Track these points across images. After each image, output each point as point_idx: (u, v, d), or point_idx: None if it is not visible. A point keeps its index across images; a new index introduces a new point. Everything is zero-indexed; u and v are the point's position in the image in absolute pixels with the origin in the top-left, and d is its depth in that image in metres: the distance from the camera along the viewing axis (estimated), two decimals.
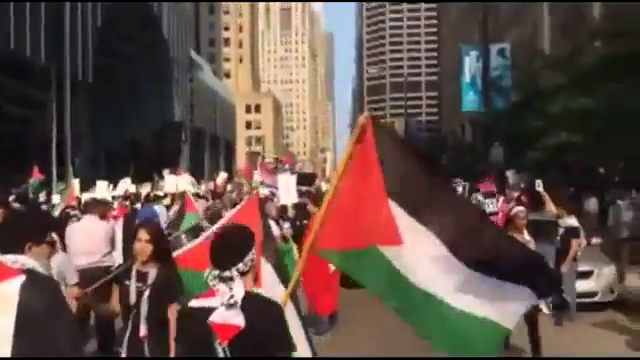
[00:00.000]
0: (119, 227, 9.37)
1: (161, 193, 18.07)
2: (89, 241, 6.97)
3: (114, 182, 20.73)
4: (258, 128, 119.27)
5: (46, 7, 38.42)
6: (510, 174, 15.55)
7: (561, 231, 8.31)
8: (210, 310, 2.21)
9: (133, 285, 3.64)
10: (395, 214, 2.57)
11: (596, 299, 8.95)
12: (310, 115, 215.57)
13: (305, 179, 21.98)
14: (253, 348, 2.17)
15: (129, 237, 7.99)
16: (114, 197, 17.42)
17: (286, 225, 9.79)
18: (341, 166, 2.92)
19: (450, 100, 62.70)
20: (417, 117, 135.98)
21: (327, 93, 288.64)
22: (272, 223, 7.94)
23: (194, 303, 2.34)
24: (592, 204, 15.18)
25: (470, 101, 26.25)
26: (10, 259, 2.61)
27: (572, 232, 8.23)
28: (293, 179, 13.87)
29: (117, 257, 7.68)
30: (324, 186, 27.26)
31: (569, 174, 18.20)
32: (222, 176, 22.93)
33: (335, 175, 2.92)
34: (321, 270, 7.45)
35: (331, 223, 2.88)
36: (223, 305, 2.19)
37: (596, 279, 9.04)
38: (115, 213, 10.53)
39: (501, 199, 11.92)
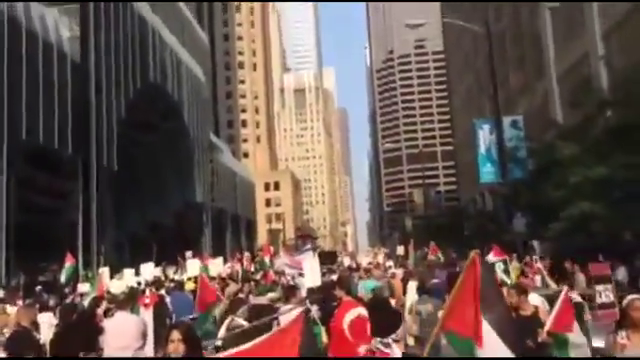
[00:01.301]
0: (150, 315, 9.58)
1: (184, 277, 18.25)
2: (122, 338, 7.14)
3: (138, 266, 21.04)
4: (278, 205, 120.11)
5: (73, 101, 40.33)
6: (535, 244, 15.46)
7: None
8: None
9: None
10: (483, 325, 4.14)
11: None
12: (328, 190, 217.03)
13: (327, 257, 22.04)
14: None
15: (160, 325, 8.24)
16: (139, 283, 17.70)
17: (314, 308, 9.83)
18: (459, 285, 4.39)
19: (467, 169, 63.03)
20: (435, 187, 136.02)
21: (344, 167, 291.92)
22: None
23: None
24: (622, 273, 14.92)
25: (487, 172, 26.45)
26: None
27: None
28: (316, 261, 13.97)
29: (148, 348, 7.80)
30: (346, 260, 27.21)
31: (595, 242, 18.00)
32: (246, 256, 23.19)
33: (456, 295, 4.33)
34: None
35: (453, 315, 4.44)
36: None
37: None
38: (147, 301, 10.67)
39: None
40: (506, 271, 11.49)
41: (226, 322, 6.58)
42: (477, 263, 4.30)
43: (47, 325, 8.21)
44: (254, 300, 11.48)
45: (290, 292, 8.59)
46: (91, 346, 3.16)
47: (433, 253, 21.38)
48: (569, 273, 15.26)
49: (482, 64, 49.04)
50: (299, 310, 4.46)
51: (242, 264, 21.21)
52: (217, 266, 18.21)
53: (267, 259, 20.28)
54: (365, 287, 14.13)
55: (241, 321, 6.71)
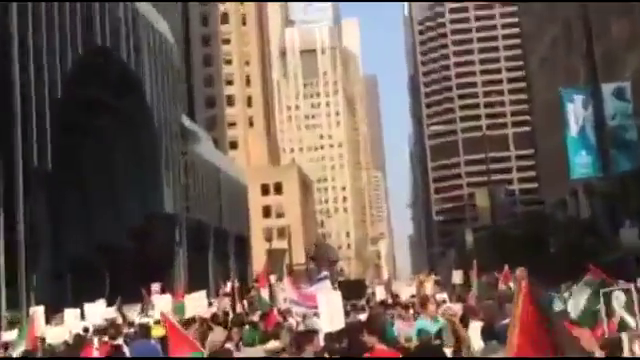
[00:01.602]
0: None
1: (150, 320, 18.40)
2: None
3: (83, 305, 21.25)
4: (280, 216, 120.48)
5: None
6: None
7: None
8: None
9: None
10: None
11: None
12: (352, 192, 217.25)
13: (352, 289, 22.14)
14: None
15: None
16: (86, 329, 17.87)
17: None
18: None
19: (552, 159, 62.53)
20: (506, 185, 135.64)
21: (374, 159, 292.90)
22: None
23: None
24: None
25: (582, 164, 26.31)
26: None
27: None
28: (337, 295, 13.96)
29: None
30: (380, 292, 27.07)
31: None
32: (228, 286, 23.32)
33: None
34: None
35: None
36: None
37: None
38: (96, 354, 10.78)
39: None
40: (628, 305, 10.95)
41: None
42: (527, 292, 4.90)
43: None
44: (246, 352, 11.54)
45: (302, 340, 8.66)
46: None
47: (505, 281, 21.28)
48: None
49: (571, 8, 48.65)
50: None
51: (234, 300, 21.35)
52: (196, 303, 18.30)
53: (265, 294, 20.40)
54: (408, 330, 14.17)
55: None
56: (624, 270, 21.52)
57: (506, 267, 20.92)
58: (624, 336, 8.72)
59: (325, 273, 21.47)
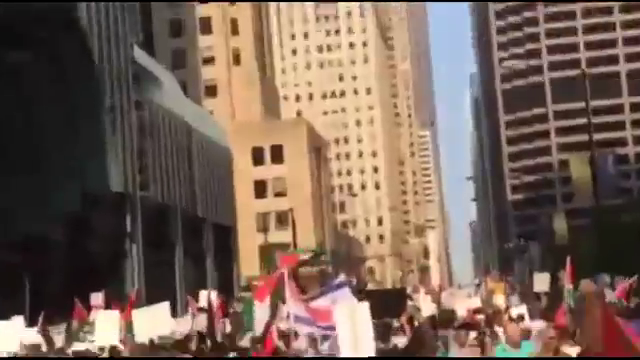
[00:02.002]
0: None
1: (88, 347, 18.62)
2: None
3: None
4: (281, 194, 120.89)
5: None
6: None
7: None
8: None
9: None
10: None
11: None
12: (387, 160, 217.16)
13: (386, 303, 22.19)
14: None
15: None
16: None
17: None
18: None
19: None
20: (615, 147, 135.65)
21: (419, 112, 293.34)
22: None
23: None
24: None
25: None
26: None
27: None
28: (364, 310, 13.91)
29: None
30: (427, 306, 27.04)
31: None
32: (211, 297, 23.46)
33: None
34: None
35: None
36: None
37: None
38: None
39: None
40: None
41: None
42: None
43: None
44: None
45: None
46: None
47: (620, 295, 21.15)
48: None
49: None
50: None
51: (211, 317, 21.49)
52: (154, 321, 18.43)
53: (262, 310, 20.33)
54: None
55: None
56: None
57: (624, 282, 20.71)
58: None
59: (342, 278, 21.25)
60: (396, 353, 14.56)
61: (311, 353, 15.23)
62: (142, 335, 18.63)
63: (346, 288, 18.14)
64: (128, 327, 19.05)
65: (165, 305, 21.63)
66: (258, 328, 19.12)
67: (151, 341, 17.73)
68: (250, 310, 20.28)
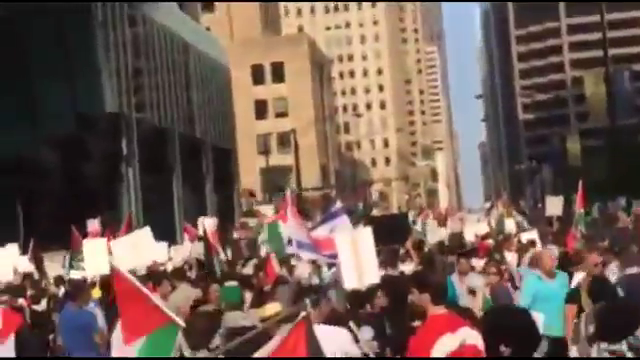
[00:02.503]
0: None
1: (80, 276, 18.76)
2: None
3: None
4: (282, 114, 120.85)
5: None
6: None
7: None
8: None
9: None
10: None
11: None
12: (393, 77, 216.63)
13: (392, 228, 22.26)
14: None
15: None
16: None
17: (366, 335, 10.13)
18: None
19: None
20: (632, 64, 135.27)
21: (426, 26, 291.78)
22: (335, 332, 8.14)
23: None
24: None
25: None
26: None
27: None
28: (367, 235, 13.94)
29: None
30: (434, 231, 27.12)
31: None
32: (207, 224, 23.46)
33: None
34: None
35: None
36: None
37: None
38: None
39: None
40: None
41: None
42: None
43: None
44: (230, 319, 11.70)
45: (317, 302, 8.71)
46: None
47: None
48: None
49: None
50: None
51: (209, 245, 21.56)
52: (148, 248, 18.47)
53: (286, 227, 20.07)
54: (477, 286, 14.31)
55: None
56: None
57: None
58: None
59: (340, 206, 20.95)
60: (401, 280, 14.58)
61: (315, 281, 15.29)
62: (134, 261, 18.69)
63: (344, 216, 18.08)
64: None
65: (145, 231, 21.67)
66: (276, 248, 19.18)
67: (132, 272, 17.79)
68: (277, 234, 20.06)
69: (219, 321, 7.56)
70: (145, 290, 9.09)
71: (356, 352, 8.25)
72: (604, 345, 7.30)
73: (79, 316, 13.23)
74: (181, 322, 9.17)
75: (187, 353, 8.99)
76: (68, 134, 59.98)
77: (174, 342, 8.92)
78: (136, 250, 19.20)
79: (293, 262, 18.74)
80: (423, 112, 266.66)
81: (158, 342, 8.64)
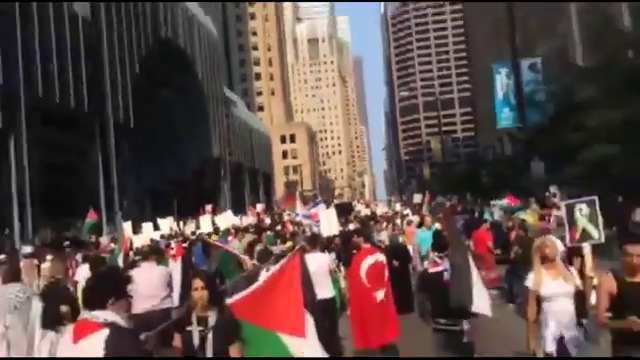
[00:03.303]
0: (178, 266, 9.82)
1: (203, 230, 18.48)
2: (149, 286, 7.34)
3: (159, 220, 21.46)
4: (294, 158, 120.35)
5: (86, 58, 40.32)
6: (553, 189, 15.46)
7: None
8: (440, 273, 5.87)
9: (196, 330, 3.88)
10: None
11: None
12: (345, 140, 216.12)
13: (345, 209, 22.35)
14: None
15: (187, 277, 8.33)
16: (162, 236, 18.12)
17: (332, 256, 10.01)
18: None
19: (486, 114, 62.24)
20: (453, 134, 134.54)
21: (360, 117, 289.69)
22: (320, 255, 8.20)
23: (431, 270, 6.10)
24: (639, 215, 14.92)
25: (505, 118, 26.25)
26: (94, 315, 3.06)
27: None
28: (333, 212, 14.26)
29: (175, 296, 8.11)
30: (363, 211, 27.40)
31: (615, 185, 17.97)
32: (260, 207, 23.48)
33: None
34: (365, 302, 7.72)
35: None
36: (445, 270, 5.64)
37: None
38: (173, 252, 10.93)
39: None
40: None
41: (262, 272, 6.75)
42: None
43: (83, 278, 8.09)
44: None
45: (312, 241, 8.68)
46: (121, 293, 3.45)
47: (448, 212, 21.13)
48: None
49: (501, 6, 47.61)
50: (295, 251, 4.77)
51: (258, 216, 21.53)
52: (228, 218, 18.37)
53: (297, 207, 19.94)
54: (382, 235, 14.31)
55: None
56: (533, 194, 21.65)
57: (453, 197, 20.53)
58: (586, 245, 7.64)
59: (320, 199, 21.65)
60: (350, 231, 14.51)
61: (313, 229, 15.05)
62: (224, 224, 18.35)
63: (321, 204, 18.26)
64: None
65: (229, 211, 21.10)
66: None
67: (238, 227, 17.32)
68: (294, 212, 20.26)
69: (270, 252, 7.53)
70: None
71: (327, 266, 7.92)
72: (433, 253, 6.47)
73: (199, 249, 12.83)
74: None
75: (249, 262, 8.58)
76: (196, 166, 59.94)
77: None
78: (230, 218, 18.76)
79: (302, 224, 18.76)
80: (358, 156, 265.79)
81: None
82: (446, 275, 5.80)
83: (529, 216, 12.88)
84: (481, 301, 6.05)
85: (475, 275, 6.34)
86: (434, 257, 6.37)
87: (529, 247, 9.24)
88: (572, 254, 8.12)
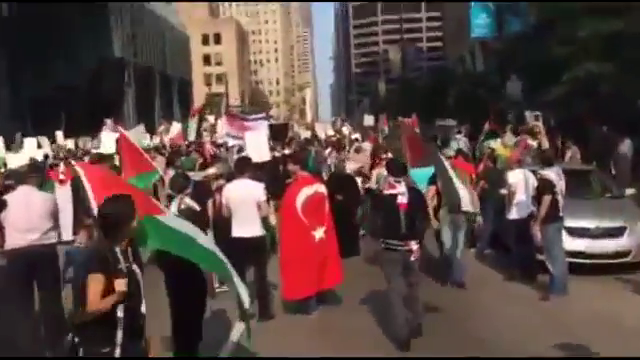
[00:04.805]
0: (67, 193, 9.51)
1: (103, 150, 18.05)
2: (27, 216, 7.07)
3: (44, 137, 20.74)
4: (219, 64, 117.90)
5: None
6: (529, 114, 15.86)
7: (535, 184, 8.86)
8: (395, 195, 6.81)
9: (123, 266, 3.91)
10: None
11: (629, 259, 9.39)
12: (283, 46, 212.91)
13: (280, 131, 22.19)
14: (414, 211, 6.79)
15: (79, 204, 8.09)
16: (46, 156, 17.51)
17: (261, 186, 9.97)
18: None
19: (456, 22, 62.42)
20: (416, 43, 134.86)
21: (303, 18, 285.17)
22: (249, 183, 8.08)
23: (386, 192, 6.95)
24: (626, 147, 15.60)
25: (480, 25, 26.39)
26: None
27: (546, 185, 8.55)
28: (263, 134, 14.14)
29: (64, 231, 7.91)
30: (303, 133, 27.17)
31: (600, 110, 18.61)
32: (176, 128, 22.90)
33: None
34: (301, 247, 7.82)
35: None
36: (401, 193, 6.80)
37: (629, 236, 9.44)
38: (62, 177, 10.43)
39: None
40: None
41: (175, 202, 6.68)
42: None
43: None
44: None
45: (242, 166, 8.51)
46: None
47: (413, 126, 21.43)
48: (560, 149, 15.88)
49: None
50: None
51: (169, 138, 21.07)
52: (138, 135, 17.94)
53: (193, 124, 20.31)
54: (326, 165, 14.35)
55: (190, 202, 6.72)
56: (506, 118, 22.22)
57: (414, 116, 20.78)
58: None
59: (262, 114, 21.08)
60: (283, 157, 14.53)
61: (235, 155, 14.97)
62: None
63: (263, 120, 18.05)
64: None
65: (141, 126, 21.04)
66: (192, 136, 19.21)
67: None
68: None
69: (189, 178, 7.33)
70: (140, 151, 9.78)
71: (257, 197, 7.98)
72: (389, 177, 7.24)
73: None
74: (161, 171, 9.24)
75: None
76: (92, 69, 57.90)
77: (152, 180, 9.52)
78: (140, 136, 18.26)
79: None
80: (299, 66, 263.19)
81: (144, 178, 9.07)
82: (400, 198, 6.74)
83: (500, 145, 13.23)
84: (466, 199, 8.54)
85: (455, 178, 8.56)
86: (390, 180, 7.00)
87: (497, 182, 9.70)
88: (543, 191, 8.51)
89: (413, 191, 7.06)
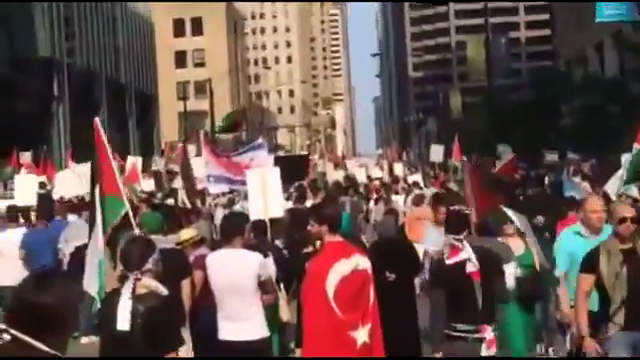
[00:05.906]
0: None
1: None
2: None
3: None
4: (200, 64, 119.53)
5: None
6: None
7: None
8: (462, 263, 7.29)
9: None
10: None
11: None
12: (300, 35, 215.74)
13: (294, 168, 22.32)
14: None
15: None
16: None
17: (270, 258, 10.09)
18: None
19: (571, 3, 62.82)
20: (508, 31, 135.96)
21: None
22: (245, 255, 8.15)
23: (449, 260, 7.40)
24: None
25: (611, 5, 26.57)
26: None
27: None
28: (275, 172, 14.05)
29: None
30: (331, 171, 27.12)
31: None
32: (131, 162, 23.28)
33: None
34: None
35: None
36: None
37: None
38: None
39: None
40: None
41: (129, 283, 6.60)
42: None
43: None
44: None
45: (232, 227, 8.60)
46: None
47: (507, 170, 21.22)
48: None
49: None
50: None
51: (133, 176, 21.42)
52: (72, 181, 18.18)
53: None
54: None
55: (152, 282, 6.70)
56: None
57: (508, 152, 20.77)
58: None
59: (259, 141, 20.84)
60: (302, 213, 14.57)
61: (224, 212, 15.17)
62: (58, 192, 18.32)
63: (264, 150, 18.01)
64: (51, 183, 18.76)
65: (86, 166, 21.37)
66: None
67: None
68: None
69: (153, 246, 7.28)
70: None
71: (267, 274, 8.17)
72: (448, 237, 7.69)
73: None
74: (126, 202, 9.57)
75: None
76: (4, 74, 58.89)
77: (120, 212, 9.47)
78: (80, 180, 18.67)
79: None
80: (325, 67, 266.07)
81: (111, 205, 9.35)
82: (469, 266, 7.05)
83: None
84: None
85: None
86: (452, 242, 7.39)
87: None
88: None
89: (481, 251, 7.35)
